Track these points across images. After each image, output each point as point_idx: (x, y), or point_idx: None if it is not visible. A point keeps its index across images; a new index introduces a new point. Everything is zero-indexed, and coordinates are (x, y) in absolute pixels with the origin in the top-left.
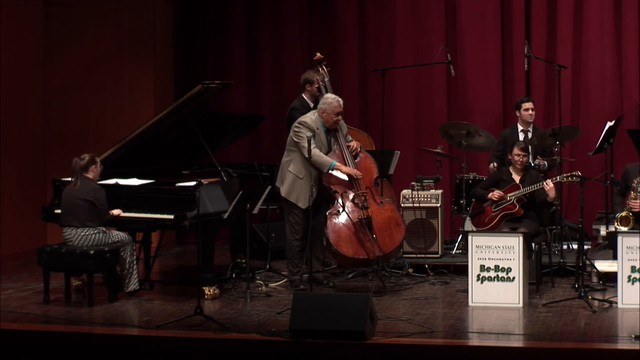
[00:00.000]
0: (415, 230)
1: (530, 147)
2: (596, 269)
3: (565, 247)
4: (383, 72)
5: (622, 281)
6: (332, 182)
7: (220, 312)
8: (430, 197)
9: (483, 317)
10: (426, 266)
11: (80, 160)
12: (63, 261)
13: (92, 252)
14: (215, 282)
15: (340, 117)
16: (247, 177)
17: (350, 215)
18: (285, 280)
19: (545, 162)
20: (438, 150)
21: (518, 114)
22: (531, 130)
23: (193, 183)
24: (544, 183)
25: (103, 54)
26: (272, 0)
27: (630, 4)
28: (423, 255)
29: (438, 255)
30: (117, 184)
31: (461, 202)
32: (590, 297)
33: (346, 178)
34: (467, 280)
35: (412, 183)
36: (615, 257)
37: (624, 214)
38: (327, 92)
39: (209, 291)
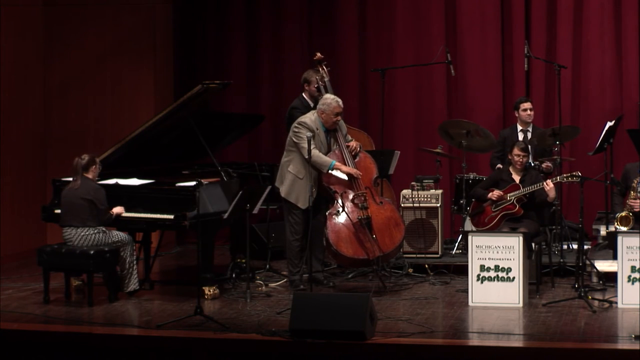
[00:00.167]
0: (415, 230)
1: (530, 147)
2: (596, 269)
3: (565, 247)
4: (383, 72)
5: (622, 281)
6: (331, 182)
7: (220, 312)
8: (430, 197)
9: (483, 317)
10: (426, 266)
11: (80, 160)
12: (63, 261)
13: (92, 252)
14: (215, 282)
15: (339, 118)
16: (247, 177)
17: (350, 216)
18: (285, 280)
19: (551, 165)
20: (438, 150)
21: (517, 114)
22: (531, 130)
23: (193, 183)
24: (544, 183)
25: (103, 54)
26: (272, 0)
27: (630, 4)
28: (423, 255)
29: (438, 255)
30: (117, 184)
31: (461, 202)
32: (590, 297)
33: (346, 178)
34: (467, 280)
35: (412, 183)
36: (615, 257)
37: (624, 214)
38: (327, 92)
39: (209, 291)
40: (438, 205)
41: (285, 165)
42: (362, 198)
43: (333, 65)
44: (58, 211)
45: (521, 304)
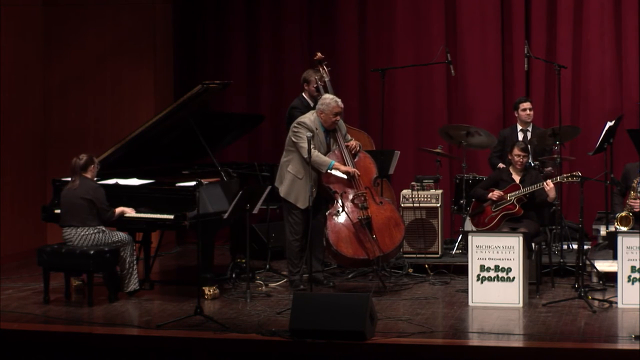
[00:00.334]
0: (415, 230)
1: (530, 147)
2: (596, 269)
3: (565, 247)
4: (383, 72)
5: (622, 281)
6: (331, 182)
7: (220, 312)
8: (430, 197)
9: (483, 317)
10: (426, 266)
11: (78, 160)
12: (63, 261)
13: (92, 252)
14: (215, 282)
15: (339, 118)
16: (247, 177)
17: (350, 216)
18: (285, 280)
19: (552, 170)
20: (438, 150)
21: (516, 114)
22: (531, 130)
23: (193, 183)
24: (544, 183)
25: (103, 54)
26: (272, 0)
27: (630, 4)
28: (423, 255)
29: (438, 255)
30: (117, 184)
31: (461, 202)
32: (590, 297)
33: (345, 177)
34: (467, 280)
35: (412, 183)
36: (615, 257)
37: (624, 214)
38: (327, 92)
39: (209, 291)
40: (438, 205)
41: (285, 165)
42: (362, 198)
43: (333, 65)
44: (58, 211)
45: (521, 304)
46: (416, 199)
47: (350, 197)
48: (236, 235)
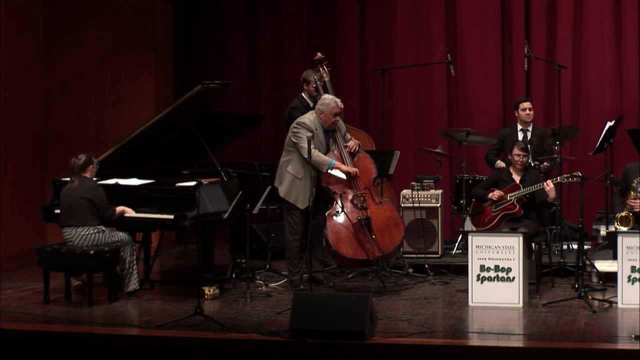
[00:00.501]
0: (415, 230)
1: (529, 147)
2: (596, 269)
3: (565, 247)
4: (383, 72)
5: (622, 281)
6: (330, 183)
7: (220, 312)
8: (430, 197)
9: (483, 317)
10: (426, 266)
11: (77, 160)
12: (63, 261)
13: (92, 252)
14: (215, 282)
15: (338, 118)
16: (247, 177)
17: (349, 216)
18: (285, 280)
19: (549, 164)
20: (438, 150)
21: (517, 114)
22: (531, 130)
23: (193, 183)
24: (544, 184)
25: (103, 54)
26: (272, 0)
27: (630, 4)
28: (423, 255)
29: (438, 255)
30: (117, 184)
31: (461, 202)
32: (590, 297)
33: (345, 177)
34: (467, 280)
35: (412, 183)
36: (615, 257)
37: (624, 214)
38: (327, 92)
39: (209, 291)
40: (438, 205)
41: (284, 165)
42: (362, 198)
43: (333, 65)
44: (58, 211)
45: (521, 304)
46: (416, 199)
47: (350, 197)
48: (236, 235)
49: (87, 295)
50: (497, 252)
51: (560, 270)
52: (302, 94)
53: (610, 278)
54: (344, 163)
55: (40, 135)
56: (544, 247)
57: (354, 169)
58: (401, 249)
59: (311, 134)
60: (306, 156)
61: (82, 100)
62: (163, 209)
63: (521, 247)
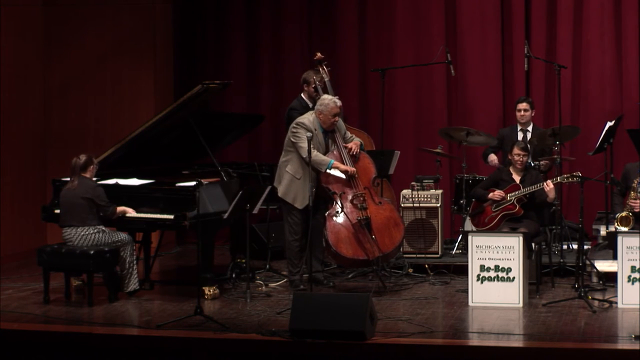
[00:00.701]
0: (415, 230)
1: (529, 147)
2: (596, 269)
3: (565, 247)
4: (383, 72)
5: (622, 281)
6: (330, 183)
7: (220, 312)
8: (430, 197)
9: (483, 317)
10: (426, 266)
11: (78, 160)
12: (63, 261)
13: (92, 252)
14: (215, 282)
15: (337, 118)
16: (247, 177)
17: (349, 216)
18: (285, 280)
19: (548, 162)
20: (438, 150)
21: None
22: (531, 130)
23: (193, 183)
24: (544, 184)
25: (103, 54)
26: (272, 0)
27: (630, 4)
28: (423, 255)
29: (438, 255)
30: (117, 184)
31: (461, 202)
32: (590, 297)
33: (344, 177)
34: (467, 280)
35: (412, 183)
36: (615, 257)
37: (624, 214)
38: (327, 92)
39: (209, 291)
40: (438, 205)
41: (283, 165)
42: (361, 198)
43: (333, 65)
44: (58, 211)
45: (521, 304)
46: (416, 199)
47: (349, 197)
48: (236, 235)
49: (87, 295)
50: (497, 252)
51: (560, 270)
52: (302, 95)
53: (610, 278)
54: (343, 163)
55: (40, 135)
56: (544, 247)
57: (352, 169)
58: (401, 249)
59: (311, 134)
60: (305, 156)
61: (82, 100)
62: (163, 209)
63: (521, 247)
